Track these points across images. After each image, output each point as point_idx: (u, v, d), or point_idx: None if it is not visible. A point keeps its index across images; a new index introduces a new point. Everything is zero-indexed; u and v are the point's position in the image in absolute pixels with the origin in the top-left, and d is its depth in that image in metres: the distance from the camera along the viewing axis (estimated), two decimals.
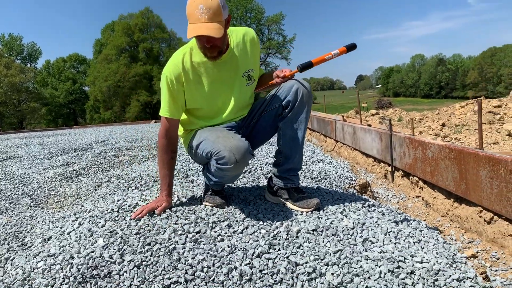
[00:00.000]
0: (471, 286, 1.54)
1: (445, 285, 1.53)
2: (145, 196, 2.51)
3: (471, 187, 2.51)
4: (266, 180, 3.02)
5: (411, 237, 1.90)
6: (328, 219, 2.03)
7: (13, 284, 1.67)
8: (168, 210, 2.17)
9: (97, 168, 4.43)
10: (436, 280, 1.54)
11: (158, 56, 44.52)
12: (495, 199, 2.27)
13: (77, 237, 1.98)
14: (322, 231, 1.90)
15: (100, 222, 2.11)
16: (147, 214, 2.12)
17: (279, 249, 1.76)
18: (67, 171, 4.30)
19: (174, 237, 1.86)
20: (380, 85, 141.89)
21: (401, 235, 1.91)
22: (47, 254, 1.85)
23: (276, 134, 2.35)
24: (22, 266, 1.83)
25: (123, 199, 2.46)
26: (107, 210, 2.29)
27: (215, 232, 1.92)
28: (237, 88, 2.23)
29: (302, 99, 2.18)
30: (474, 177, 2.47)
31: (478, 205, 2.48)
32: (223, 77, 2.19)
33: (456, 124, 7.56)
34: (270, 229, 1.94)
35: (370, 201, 2.41)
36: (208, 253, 1.74)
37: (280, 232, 1.89)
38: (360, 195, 2.91)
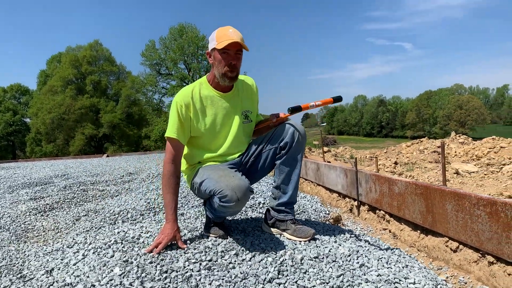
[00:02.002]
0: None
1: None
2: (146, 228, 2.61)
3: (438, 219, 2.80)
4: (253, 211, 3.21)
5: (399, 262, 2.15)
6: (325, 247, 2.25)
7: None
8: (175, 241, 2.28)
9: (70, 202, 4.41)
10: None
11: (106, 89, 43.72)
12: (460, 230, 2.57)
13: (90, 267, 2.06)
14: (323, 258, 2.11)
15: (108, 253, 2.20)
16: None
17: (287, 275, 1.94)
18: (40, 205, 4.25)
19: (188, 265, 1.99)
20: (325, 123, 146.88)
21: (391, 260, 2.15)
22: (63, 284, 1.91)
23: (273, 171, 2.58)
24: None
25: (123, 231, 2.55)
26: (110, 241, 2.38)
27: (226, 260, 2.08)
28: (235, 123, 2.47)
29: (298, 140, 2.44)
30: (440, 211, 2.77)
31: (444, 236, 2.76)
32: (227, 110, 2.45)
33: (406, 162, 8.09)
34: (276, 257, 2.12)
35: (356, 232, 2.66)
36: (223, 279, 1.88)
37: (286, 259, 2.08)
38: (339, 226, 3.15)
